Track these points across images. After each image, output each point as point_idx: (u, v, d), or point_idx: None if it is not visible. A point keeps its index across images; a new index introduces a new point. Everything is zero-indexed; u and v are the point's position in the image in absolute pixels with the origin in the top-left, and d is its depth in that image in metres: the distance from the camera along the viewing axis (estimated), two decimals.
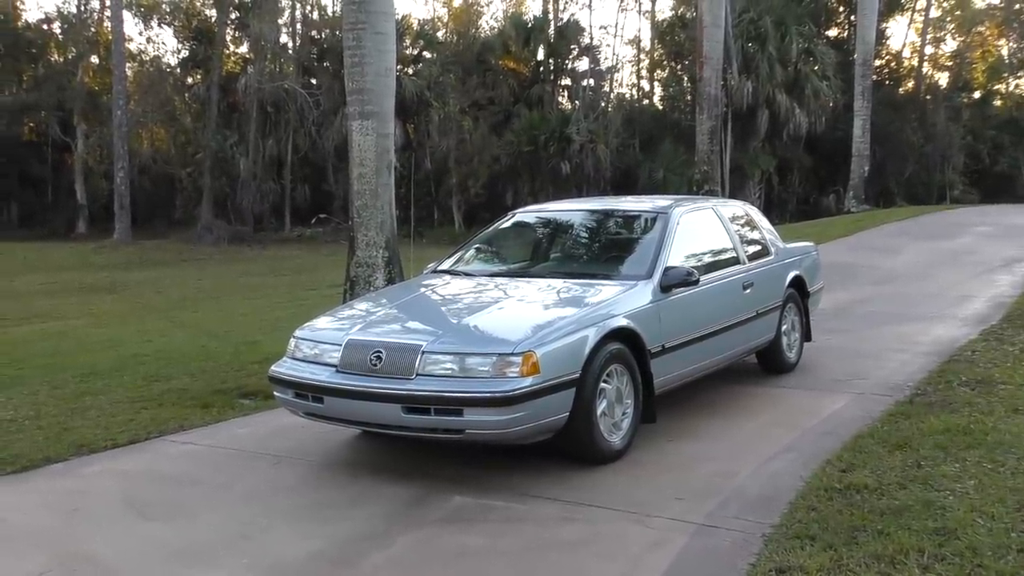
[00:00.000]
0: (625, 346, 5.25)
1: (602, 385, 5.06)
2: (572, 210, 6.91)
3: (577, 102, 36.57)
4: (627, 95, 42.85)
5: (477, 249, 6.62)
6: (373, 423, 4.95)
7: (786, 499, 4.51)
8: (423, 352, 4.78)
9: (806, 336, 7.69)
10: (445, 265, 6.44)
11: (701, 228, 6.51)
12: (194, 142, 36.92)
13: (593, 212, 6.73)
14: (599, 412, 5.02)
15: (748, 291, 6.58)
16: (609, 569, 3.82)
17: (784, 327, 7.24)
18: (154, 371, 8.46)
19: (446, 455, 5.30)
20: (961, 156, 40.44)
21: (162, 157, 37.78)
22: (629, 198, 7.48)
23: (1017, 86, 44.35)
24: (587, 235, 6.53)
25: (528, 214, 7.03)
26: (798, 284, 7.50)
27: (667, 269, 5.72)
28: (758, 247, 7.07)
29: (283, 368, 5.26)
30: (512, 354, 4.65)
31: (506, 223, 6.87)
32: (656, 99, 43.39)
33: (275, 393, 5.39)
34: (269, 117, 34.58)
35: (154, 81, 37.14)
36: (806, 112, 34.70)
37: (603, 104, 37.53)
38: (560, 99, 38.56)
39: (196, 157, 36.23)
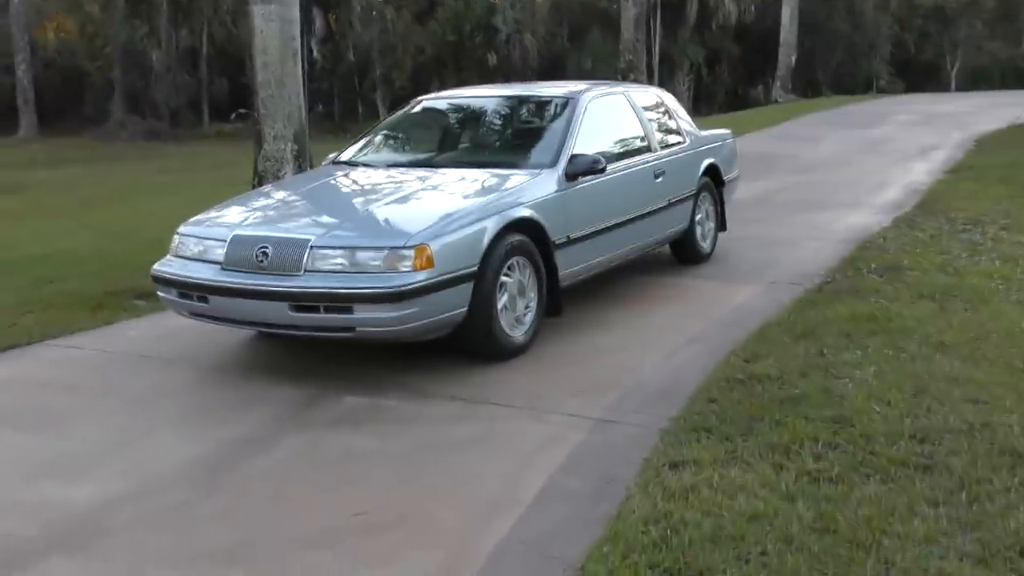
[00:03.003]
0: (528, 237, 5.06)
1: (503, 278, 4.87)
2: (479, 96, 6.60)
3: None
4: None
5: (380, 138, 6.30)
6: (260, 322, 4.71)
7: (687, 392, 4.42)
8: (311, 247, 4.52)
9: (721, 226, 7.59)
10: (346, 155, 6.13)
11: (611, 115, 6.27)
12: (102, 34, 35.03)
13: (500, 99, 6.43)
14: (500, 307, 4.85)
15: (660, 180, 6.40)
16: (499, 467, 3.69)
17: (698, 216, 7.11)
18: (47, 274, 8.04)
19: (342, 354, 5.10)
20: (888, 45, 40.50)
21: (69, 50, 35.84)
22: (540, 84, 7.20)
23: None
24: (493, 123, 6.25)
25: (434, 101, 6.70)
26: (713, 173, 7.34)
27: (573, 157, 5.50)
28: (671, 135, 6.87)
29: (166, 267, 4.97)
30: (404, 247, 4.42)
31: (411, 110, 6.55)
32: None
33: (159, 293, 5.10)
34: (181, 6, 32.90)
35: None
36: (736, 1, 34.26)
37: None
38: None
39: (105, 50, 34.45)
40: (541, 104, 6.18)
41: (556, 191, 5.33)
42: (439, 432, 4.07)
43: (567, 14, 36.21)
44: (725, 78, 38.39)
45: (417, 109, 6.51)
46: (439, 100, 6.70)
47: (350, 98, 33.85)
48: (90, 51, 35.66)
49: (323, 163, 6.20)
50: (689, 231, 6.98)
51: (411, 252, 4.42)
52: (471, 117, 6.35)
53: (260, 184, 8.82)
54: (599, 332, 5.49)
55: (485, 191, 5.13)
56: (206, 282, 4.69)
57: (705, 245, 7.26)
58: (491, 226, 4.77)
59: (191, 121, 33.88)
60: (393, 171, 5.68)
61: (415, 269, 4.41)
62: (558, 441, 3.92)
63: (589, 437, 3.97)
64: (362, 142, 6.26)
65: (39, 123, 30.32)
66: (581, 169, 5.47)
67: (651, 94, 7.06)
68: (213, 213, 5.27)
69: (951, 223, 8.09)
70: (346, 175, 5.73)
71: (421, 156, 5.84)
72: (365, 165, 5.87)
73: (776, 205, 9.73)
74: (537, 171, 5.38)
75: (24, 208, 14.92)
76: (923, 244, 7.32)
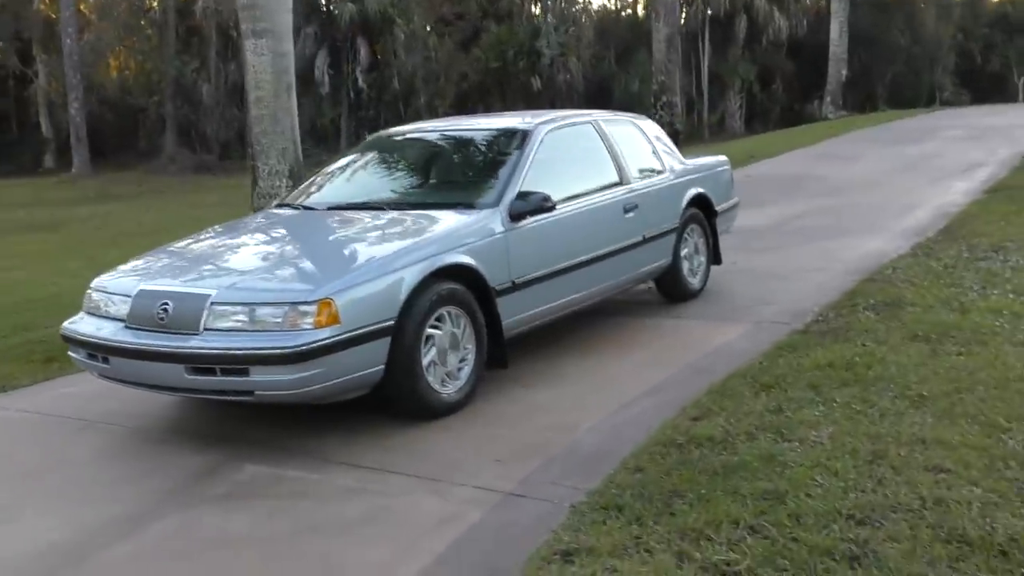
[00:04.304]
0: (462, 285, 4.66)
1: (430, 331, 4.47)
2: (433, 131, 6.22)
3: (548, 15, 35.27)
4: (602, 5, 41.43)
5: (330, 177, 5.97)
6: (160, 385, 4.37)
7: (620, 457, 3.96)
8: (211, 303, 4.18)
9: (715, 259, 7.08)
10: (292, 197, 5.82)
11: (575, 147, 5.86)
12: (157, 69, 35.74)
13: (454, 133, 6.06)
14: (426, 363, 4.45)
15: (631, 214, 5.95)
16: (373, 555, 3.28)
17: (684, 251, 6.63)
18: (28, 320, 7.88)
19: (268, 414, 4.73)
20: (951, 56, 39.27)
21: (124, 86, 36.62)
22: (500, 116, 6.80)
23: None
24: (443, 159, 5.87)
25: (389, 137, 6.34)
26: (702, 203, 6.85)
27: (520, 195, 5.09)
28: (649, 165, 6.41)
29: (75, 324, 4.69)
30: (305, 303, 4.06)
31: (364, 147, 6.23)
32: (639, 8, 41.89)
33: (70, 354, 4.82)
34: (231, 41, 33.34)
35: (109, 6, 35.76)
36: (786, 16, 33.59)
37: (575, 15, 36.20)
38: (532, 10, 37.21)
39: (161, 85, 35.11)
40: (494, 138, 5.77)
41: (498, 233, 4.92)
42: (328, 510, 3.68)
43: (614, 36, 35.84)
44: (779, 95, 37.52)
45: (372, 146, 6.18)
46: (394, 136, 6.33)
47: (396, 126, 33.86)
48: (147, 87, 36.43)
49: (271, 206, 5.90)
50: (673, 267, 6.50)
51: (313, 308, 4.05)
52: (422, 154, 5.97)
53: None
54: (548, 385, 5.04)
55: (413, 235, 4.74)
56: (105, 342, 4.38)
57: (694, 281, 6.77)
58: (412, 275, 4.38)
59: (240, 153, 34.19)
60: (330, 214, 5.33)
61: (317, 327, 4.04)
62: (453, 521, 3.49)
63: (489, 516, 3.53)
64: (312, 182, 5.95)
65: (95, 158, 30.91)
66: (528, 208, 5.06)
67: (626, 123, 6.60)
68: (131, 264, 4.99)
69: (972, 250, 7.45)
70: (279, 220, 5.41)
71: (362, 197, 5.46)
72: (305, 208, 5.54)
73: (791, 232, 9.16)
74: (477, 211, 4.98)
75: (52, 247, 15.02)
76: (934, 275, 6.71)
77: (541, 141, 5.49)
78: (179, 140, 33.14)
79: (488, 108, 31.73)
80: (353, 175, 5.90)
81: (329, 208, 5.45)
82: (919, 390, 4.40)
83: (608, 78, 33.82)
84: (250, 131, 9.99)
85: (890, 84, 37.85)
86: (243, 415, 4.82)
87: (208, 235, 5.37)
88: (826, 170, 13.75)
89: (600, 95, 32.95)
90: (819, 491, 3.43)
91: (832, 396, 4.41)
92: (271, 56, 9.69)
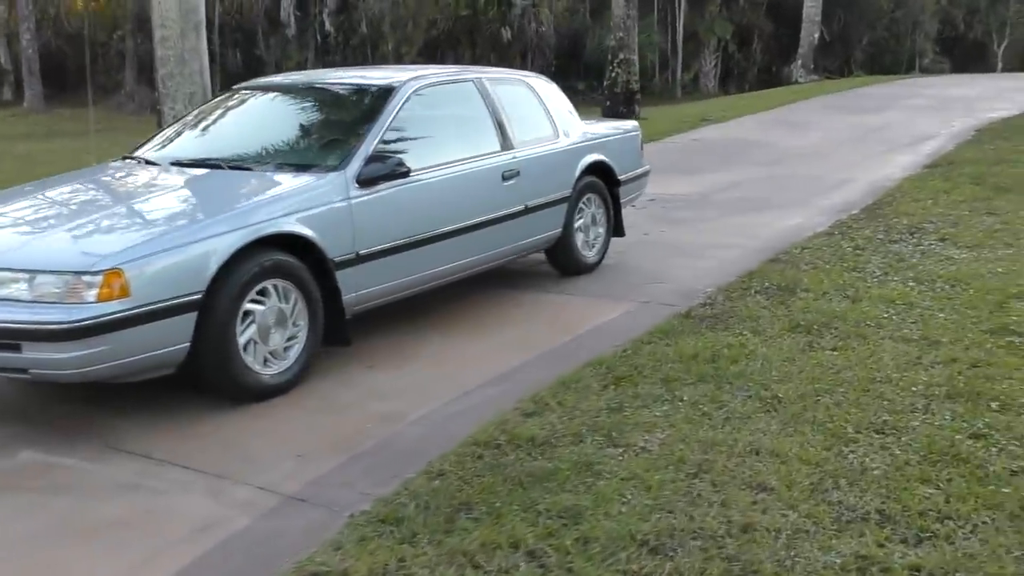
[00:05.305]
0: (294, 256, 4.25)
1: (249, 306, 4.07)
2: (297, 84, 5.72)
3: None
4: None
5: (183, 130, 5.50)
6: None
7: (432, 457, 3.59)
8: None
9: (616, 231, 6.69)
10: (141, 149, 5.36)
11: (447, 107, 5.43)
12: (120, 3, 34.66)
13: (317, 87, 5.58)
14: (243, 341, 4.05)
15: (511, 182, 5.53)
16: (106, 568, 2.89)
17: (579, 222, 6.24)
18: None
19: (91, 390, 4.27)
20: (935, 22, 38.64)
21: (89, 21, 35.53)
22: (370, 70, 6.33)
23: None
24: (302, 115, 5.38)
25: (250, 88, 5.82)
26: (603, 171, 6.44)
27: (371, 158, 4.65)
28: (538, 129, 5.98)
29: None
30: (88, 272, 3.63)
31: (223, 98, 5.74)
32: None
33: None
34: None
35: None
36: None
37: None
38: None
39: (123, 20, 34.06)
40: (357, 94, 5.30)
41: (342, 199, 4.49)
42: (87, 508, 3.29)
43: None
44: (757, 56, 36.81)
45: (232, 98, 5.68)
46: (255, 88, 5.81)
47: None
48: (111, 22, 35.38)
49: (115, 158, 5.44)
50: (565, 238, 6.10)
51: (98, 279, 3.63)
52: (282, 108, 5.49)
53: None
54: (395, 367, 4.65)
55: (239, 199, 4.31)
56: None
57: (589, 254, 6.37)
58: (226, 244, 3.96)
59: None
60: (169, 171, 4.87)
61: (102, 299, 3.62)
62: (215, 528, 3.12)
63: (257, 524, 3.16)
64: (164, 134, 5.49)
65: (56, 93, 30.05)
66: (380, 173, 4.64)
67: (516, 83, 6.14)
68: None
69: (888, 231, 7.09)
70: (107, 175, 4.96)
71: (208, 153, 4.98)
72: (148, 162, 5.08)
73: (717, 204, 8.76)
74: (321, 175, 4.55)
75: None
76: (840, 257, 6.35)
77: (407, 99, 5.05)
78: (139, 77, 32.21)
79: (458, 57, 30.98)
80: (207, 128, 5.42)
81: (172, 163, 4.98)
82: (776, 390, 4.06)
83: (581, 32, 33.00)
84: (156, 73, 9.45)
85: (869, 49, 37.26)
86: (51, 391, 4.41)
87: (28, 187, 4.90)
88: (775, 137, 13.32)
89: (573, 48, 32.26)
90: (623, 510, 3.08)
91: (682, 394, 4.06)
92: None
